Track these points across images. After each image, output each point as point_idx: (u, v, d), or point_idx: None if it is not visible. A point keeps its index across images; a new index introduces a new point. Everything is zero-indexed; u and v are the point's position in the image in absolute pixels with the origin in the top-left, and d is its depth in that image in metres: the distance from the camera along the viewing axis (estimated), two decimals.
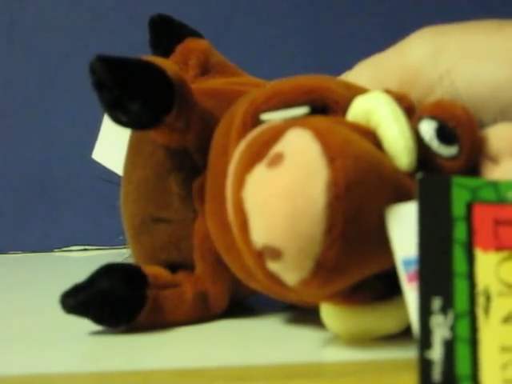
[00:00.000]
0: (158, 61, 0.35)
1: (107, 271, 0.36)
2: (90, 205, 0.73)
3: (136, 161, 0.39)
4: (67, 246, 0.73)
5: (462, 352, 0.23)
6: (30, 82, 0.75)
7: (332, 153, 0.27)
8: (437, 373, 0.23)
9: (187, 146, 0.37)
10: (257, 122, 0.32)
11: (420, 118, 0.31)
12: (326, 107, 0.32)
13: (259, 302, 0.40)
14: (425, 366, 0.23)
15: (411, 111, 0.32)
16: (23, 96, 0.75)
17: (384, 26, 0.72)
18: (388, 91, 0.32)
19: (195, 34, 0.45)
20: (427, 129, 0.31)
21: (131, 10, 0.73)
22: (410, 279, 0.25)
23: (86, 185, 0.73)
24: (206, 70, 0.43)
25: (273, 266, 0.28)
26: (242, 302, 0.40)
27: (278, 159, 0.28)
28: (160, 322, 0.36)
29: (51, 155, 0.74)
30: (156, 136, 0.37)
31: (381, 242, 0.28)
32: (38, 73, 0.74)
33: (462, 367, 0.22)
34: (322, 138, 0.28)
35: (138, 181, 0.39)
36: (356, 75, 0.35)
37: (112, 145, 0.50)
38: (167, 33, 0.44)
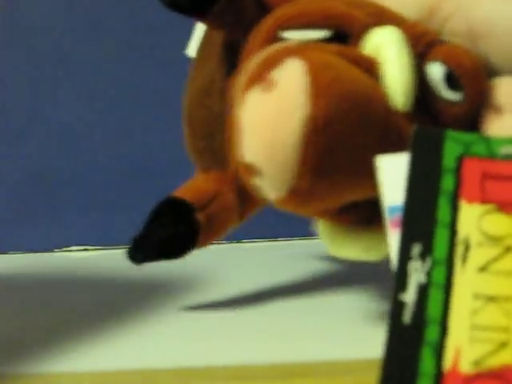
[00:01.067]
0: None
1: (157, 216, 0.39)
2: (91, 205, 0.73)
3: (202, 49, 0.42)
4: (68, 246, 0.73)
5: (434, 296, 0.23)
6: (32, 81, 0.74)
7: (318, 89, 0.29)
8: (408, 315, 0.23)
9: (236, 40, 0.38)
10: (277, 38, 0.34)
11: (429, 61, 0.32)
12: (346, 34, 0.33)
13: (259, 302, 0.40)
14: (397, 307, 0.23)
15: (431, 48, 0.33)
16: (23, 95, 0.75)
17: None
18: (412, 25, 0.33)
19: None
20: (435, 72, 0.32)
21: (131, 10, 0.73)
22: (393, 225, 0.26)
23: (87, 185, 0.73)
24: None
25: (256, 181, 0.31)
26: (241, 301, 0.40)
27: (271, 85, 0.30)
28: (217, 237, 0.40)
29: (52, 155, 0.74)
30: (207, 25, 0.39)
31: (360, 175, 0.30)
32: (38, 72, 0.74)
33: (433, 311, 0.23)
34: (313, 70, 0.30)
35: (201, 68, 0.41)
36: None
37: None
38: None
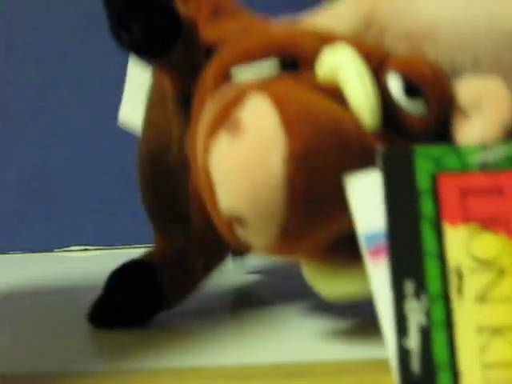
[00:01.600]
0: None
1: (118, 280, 0.37)
2: (91, 205, 0.73)
3: (152, 105, 0.40)
4: (67, 246, 0.73)
5: (438, 338, 0.22)
6: (32, 81, 0.74)
7: (290, 123, 0.28)
8: (415, 362, 0.22)
9: (188, 91, 0.36)
10: (227, 77, 0.32)
11: (387, 72, 0.31)
12: (296, 61, 0.32)
13: (260, 302, 0.40)
14: (403, 355, 0.22)
15: (383, 63, 0.31)
16: (23, 96, 0.75)
17: None
18: (360, 43, 0.32)
19: None
20: (394, 86, 0.31)
21: None
22: (373, 255, 0.24)
23: (87, 185, 0.73)
24: (217, 12, 0.43)
25: (240, 232, 0.29)
26: (241, 301, 0.40)
27: (237, 127, 0.28)
28: (182, 299, 0.37)
29: (51, 155, 0.74)
30: (160, 73, 0.37)
31: (343, 203, 0.27)
32: (37, 74, 0.74)
33: (440, 354, 0.22)
34: (280, 106, 0.28)
35: (154, 125, 0.40)
36: (341, 3, 0.35)
37: (137, 108, 0.50)
38: None
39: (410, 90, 0.30)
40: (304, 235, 0.29)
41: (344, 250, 0.31)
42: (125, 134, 0.71)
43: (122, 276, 0.37)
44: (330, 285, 0.32)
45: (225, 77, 0.32)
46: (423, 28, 0.32)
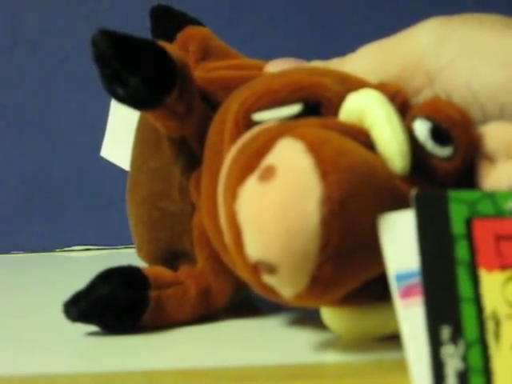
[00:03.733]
0: (162, 43, 0.35)
1: (106, 276, 0.36)
2: (92, 205, 0.73)
3: (145, 151, 0.40)
4: (69, 246, 0.73)
5: (476, 383, 0.22)
6: (33, 82, 0.74)
7: (325, 166, 0.27)
8: None
9: (186, 135, 0.36)
10: (249, 122, 0.32)
11: (414, 118, 0.30)
12: (319, 104, 0.31)
13: (261, 302, 0.40)
14: None
15: (406, 107, 0.31)
16: (25, 96, 0.75)
17: (386, 27, 0.72)
18: (382, 86, 0.32)
19: (195, 22, 0.45)
20: (421, 129, 0.30)
21: (131, 10, 0.73)
22: (403, 295, 0.24)
23: (88, 184, 0.73)
24: (205, 55, 0.43)
25: (268, 279, 0.28)
26: (245, 301, 0.40)
27: (270, 173, 0.27)
28: (164, 322, 0.36)
29: (53, 155, 0.74)
30: (155, 121, 0.36)
31: (376, 250, 0.27)
32: (39, 73, 0.74)
33: None
34: (314, 150, 0.27)
35: (145, 172, 0.39)
36: (358, 58, 0.35)
37: (120, 141, 0.50)
38: (168, 22, 0.45)
39: (438, 133, 0.30)
40: (336, 283, 0.28)
41: (364, 292, 0.30)
42: None
43: (112, 276, 0.36)
44: (346, 325, 0.31)
45: (246, 120, 0.32)
46: (460, 96, 0.31)
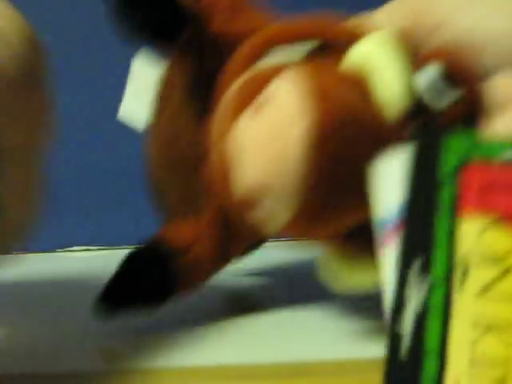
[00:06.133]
0: None
1: (128, 263, 0.36)
2: (92, 205, 0.73)
3: (164, 102, 0.40)
4: (69, 246, 0.73)
5: (432, 326, 0.22)
6: None
7: (316, 96, 0.28)
8: (404, 348, 0.22)
9: (200, 80, 0.37)
10: (257, 58, 0.33)
11: (425, 61, 0.31)
12: (329, 46, 0.32)
13: (259, 303, 0.40)
14: (394, 340, 0.22)
15: (416, 54, 0.32)
16: None
17: None
18: (394, 32, 0.32)
19: None
20: (432, 71, 0.31)
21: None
22: (385, 239, 0.25)
23: (88, 184, 0.73)
24: (234, 9, 0.43)
25: (257, 213, 0.29)
26: (244, 299, 0.40)
27: (265, 103, 0.29)
28: (190, 288, 0.36)
29: (53, 155, 0.74)
30: (170, 61, 0.37)
31: (362, 190, 0.28)
32: None
33: (431, 342, 0.22)
34: (308, 80, 0.29)
35: (166, 116, 0.40)
36: (378, 14, 0.36)
37: (138, 102, 0.50)
38: None
39: (447, 76, 0.31)
40: (327, 209, 0.29)
41: (360, 239, 0.31)
42: (126, 134, 0.71)
43: (134, 261, 0.36)
44: (343, 275, 0.32)
45: (255, 57, 0.33)
46: (464, 41, 0.32)
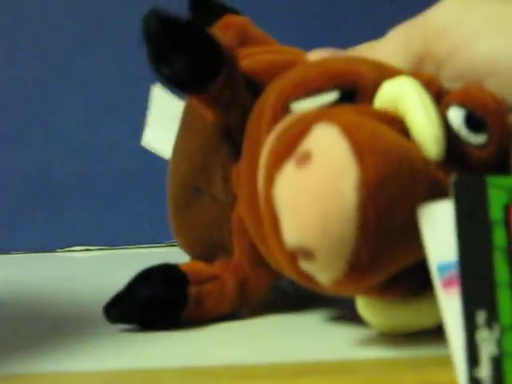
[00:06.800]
0: (212, 30, 0.35)
1: (145, 276, 0.36)
2: (93, 205, 0.73)
3: (187, 134, 0.40)
4: (69, 247, 0.73)
5: (510, 368, 0.22)
6: (32, 82, 0.74)
7: (361, 149, 0.27)
8: None
9: (230, 124, 0.36)
10: (286, 112, 0.32)
11: (448, 105, 0.30)
12: (355, 92, 0.31)
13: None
14: None
15: (440, 95, 0.31)
16: (24, 96, 0.75)
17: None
18: (417, 74, 0.32)
19: (234, 11, 0.45)
20: (455, 116, 0.30)
21: (132, 10, 0.73)
22: (445, 285, 0.24)
23: (88, 185, 0.73)
24: (243, 42, 0.43)
25: (305, 266, 0.28)
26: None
27: (306, 158, 0.27)
28: (203, 317, 0.36)
29: (53, 155, 0.74)
30: (200, 107, 0.36)
31: (413, 235, 0.27)
32: (39, 74, 0.74)
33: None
34: (349, 133, 0.27)
35: (188, 153, 0.39)
36: (387, 41, 0.35)
37: (162, 130, 0.50)
38: (206, 11, 0.45)
39: (472, 120, 0.30)
40: (373, 269, 0.28)
41: (401, 283, 0.30)
42: (126, 135, 0.71)
43: (151, 275, 0.36)
44: (382, 317, 0.31)
45: (284, 110, 0.32)
46: (482, 66, 0.32)
